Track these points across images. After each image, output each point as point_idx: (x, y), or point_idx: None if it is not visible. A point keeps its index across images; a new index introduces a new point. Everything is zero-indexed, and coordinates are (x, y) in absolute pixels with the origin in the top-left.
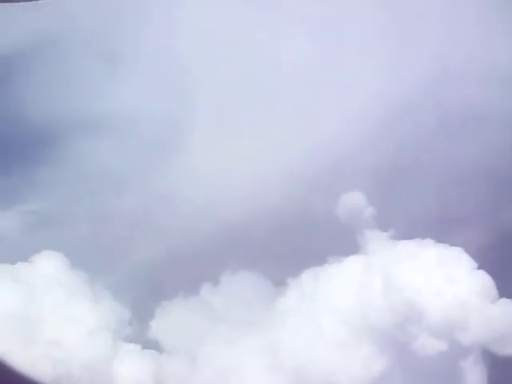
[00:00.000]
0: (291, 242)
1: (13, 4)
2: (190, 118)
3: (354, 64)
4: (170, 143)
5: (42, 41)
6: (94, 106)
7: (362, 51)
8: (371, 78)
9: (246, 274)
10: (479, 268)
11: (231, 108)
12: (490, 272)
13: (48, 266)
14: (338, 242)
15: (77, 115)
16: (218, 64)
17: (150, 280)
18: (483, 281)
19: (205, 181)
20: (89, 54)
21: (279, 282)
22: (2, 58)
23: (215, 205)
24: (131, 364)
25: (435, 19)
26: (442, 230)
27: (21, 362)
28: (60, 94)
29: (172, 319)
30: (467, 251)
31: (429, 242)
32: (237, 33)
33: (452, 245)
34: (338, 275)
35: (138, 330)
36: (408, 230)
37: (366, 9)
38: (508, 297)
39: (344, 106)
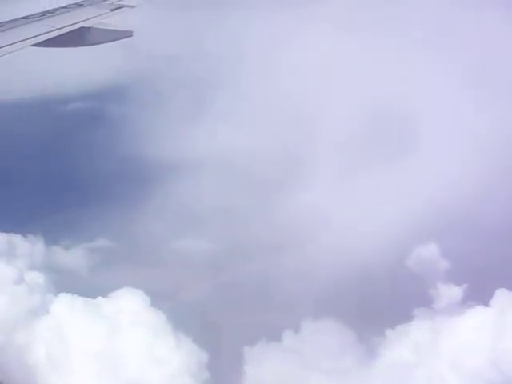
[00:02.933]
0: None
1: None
2: (298, 155)
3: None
4: (271, 181)
5: (137, 81)
6: (183, 146)
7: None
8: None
9: (328, 321)
10: None
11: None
12: None
13: (129, 302)
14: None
15: (166, 155)
16: (320, 98)
17: (230, 324)
18: None
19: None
20: (182, 94)
21: (370, 332)
22: (97, 97)
23: (307, 248)
24: None
25: None
26: None
27: None
28: (152, 134)
29: (255, 365)
30: None
31: None
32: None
33: None
34: (461, 328)
35: (217, 375)
36: None
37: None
38: None
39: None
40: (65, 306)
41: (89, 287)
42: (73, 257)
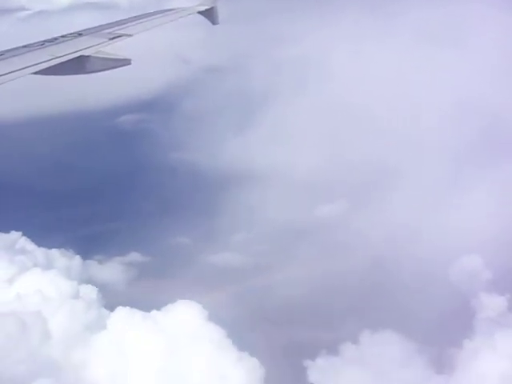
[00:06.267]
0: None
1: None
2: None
3: None
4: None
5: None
6: (234, 158)
7: None
8: None
9: (387, 334)
10: None
11: None
12: None
13: (185, 316)
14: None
15: (215, 166)
16: None
17: (289, 339)
18: None
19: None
20: (236, 105)
21: (435, 343)
22: (149, 109)
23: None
24: None
25: None
26: None
27: None
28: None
29: (318, 378)
30: None
31: None
32: None
33: None
34: None
35: None
36: None
37: None
38: None
39: None
40: (121, 320)
41: (132, 301)
42: (109, 271)
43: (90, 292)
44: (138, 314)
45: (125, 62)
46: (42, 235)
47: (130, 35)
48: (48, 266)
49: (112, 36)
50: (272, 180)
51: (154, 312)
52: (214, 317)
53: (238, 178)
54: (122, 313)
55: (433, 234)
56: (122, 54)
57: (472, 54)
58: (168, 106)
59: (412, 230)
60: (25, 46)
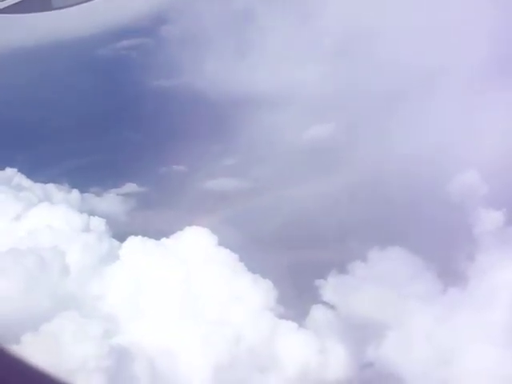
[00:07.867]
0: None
1: None
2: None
3: None
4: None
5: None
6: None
7: None
8: None
9: (395, 250)
10: None
11: None
12: None
13: (196, 242)
14: None
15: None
16: None
17: (299, 259)
18: None
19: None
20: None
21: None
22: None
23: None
24: (289, 341)
25: None
26: None
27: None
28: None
29: (330, 296)
30: None
31: None
32: None
33: None
34: None
35: (290, 309)
36: None
37: None
38: None
39: None
40: (133, 249)
41: (139, 230)
42: (108, 203)
43: (98, 224)
44: (149, 243)
45: None
46: (35, 170)
47: None
48: (51, 200)
49: None
50: (269, 102)
51: (164, 240)
52: (224, 241)
53: (231, 102)
54: (133, 242)
55: (432, 150)
56: None
57: None
58: (155, 31)
59: (412, 147)
60: None
